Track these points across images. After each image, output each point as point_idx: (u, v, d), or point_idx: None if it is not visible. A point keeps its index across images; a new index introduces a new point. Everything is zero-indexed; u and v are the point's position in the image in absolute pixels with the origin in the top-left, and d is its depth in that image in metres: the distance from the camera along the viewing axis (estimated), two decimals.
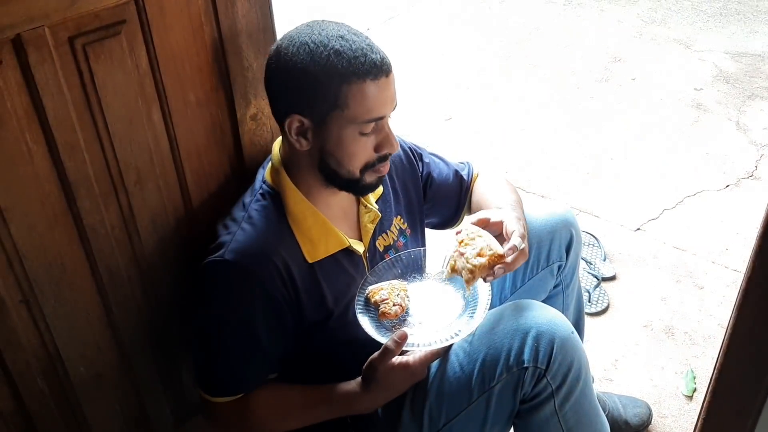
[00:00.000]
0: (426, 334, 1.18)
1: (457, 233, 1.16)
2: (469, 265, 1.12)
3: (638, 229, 2.33)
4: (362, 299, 1.22)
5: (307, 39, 1.06)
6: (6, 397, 1.11)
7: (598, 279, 2.10)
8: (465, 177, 1.41)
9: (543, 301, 1.38)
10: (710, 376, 0.88)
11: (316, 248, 1.17)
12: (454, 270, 1.16)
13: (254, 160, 1.30)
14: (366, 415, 1.21)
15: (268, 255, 1.12)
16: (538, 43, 3.51)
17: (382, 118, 1.10)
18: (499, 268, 1.11)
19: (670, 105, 2.98)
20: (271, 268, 1.12)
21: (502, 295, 1.41)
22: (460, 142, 2.81)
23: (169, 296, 1.28)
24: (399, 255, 1.30)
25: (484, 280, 1.13)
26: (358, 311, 1.20)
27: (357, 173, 1.14)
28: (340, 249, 1.20)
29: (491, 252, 1.11)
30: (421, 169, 1.37)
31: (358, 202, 1.26)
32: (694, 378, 1.80)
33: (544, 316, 1.14)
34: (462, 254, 1.13)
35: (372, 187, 1.19)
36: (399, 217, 1.33)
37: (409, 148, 1.36)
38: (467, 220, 1.20)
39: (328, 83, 1.05)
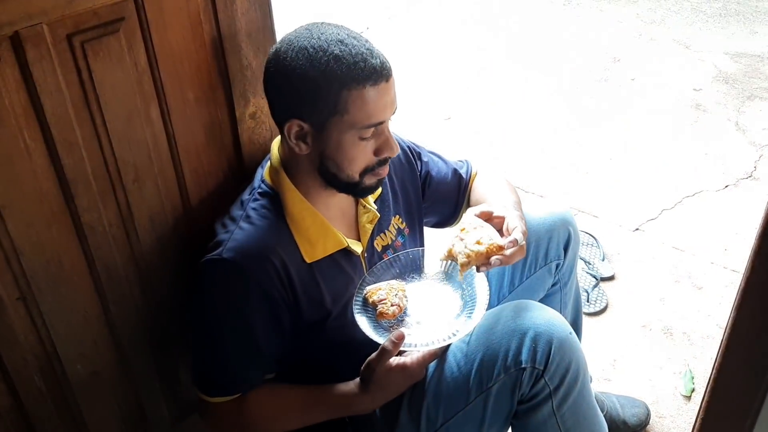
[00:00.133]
0: (424, 335, 1.18)
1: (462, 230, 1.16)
2: (466, 250, 1.12)
3: (637, 229, 2.33)
4: (360, 299, 1.22)
5: (306, 43, 1.06)
6: (3, 395, 1.10)
7: (596, 279, 2.10)
8: (464, 175, 1.41)
9: (541, 300, 1.39)
10: (709, 376, 0.88)
11: (314, 248, 1.17)
12: (450, 254, 1.15)
13: (253, 159, 1.30)
14: (364, 416, 1.21)
15: (265, 254, 1.12)
16: (537, 43, 3.50)
17: (382, 122, 1.10)
18: (496, 259, 1.10)
19: (670, 105, 2.98)
20: (269, 268, 1.12)
21: (500, 294, 1.40)
22: (459, 142, 2.81)
23: (166, 294, 1.28)
24: (397, 255, 1.30)
25: (478, 269, 1.13)
26: (356, 311, 1.20)
27: (357, 177, 1.14)
28: (339, 249, 1.20)
29: (491, 242, 1.11)
30: (419, 168, 1.37)
31: (357, 203, 1.26)
32: (693, 378, 1.80)
33: (542, 316, 1.13)
34: (461, 239, 1.13)
35: (371, 190, 1.19)
36: (397, 216, 1.32)
37: (408, 147, 1.36)
38: (470, 212, 1.19)
39: (327, 89, 1.05)
